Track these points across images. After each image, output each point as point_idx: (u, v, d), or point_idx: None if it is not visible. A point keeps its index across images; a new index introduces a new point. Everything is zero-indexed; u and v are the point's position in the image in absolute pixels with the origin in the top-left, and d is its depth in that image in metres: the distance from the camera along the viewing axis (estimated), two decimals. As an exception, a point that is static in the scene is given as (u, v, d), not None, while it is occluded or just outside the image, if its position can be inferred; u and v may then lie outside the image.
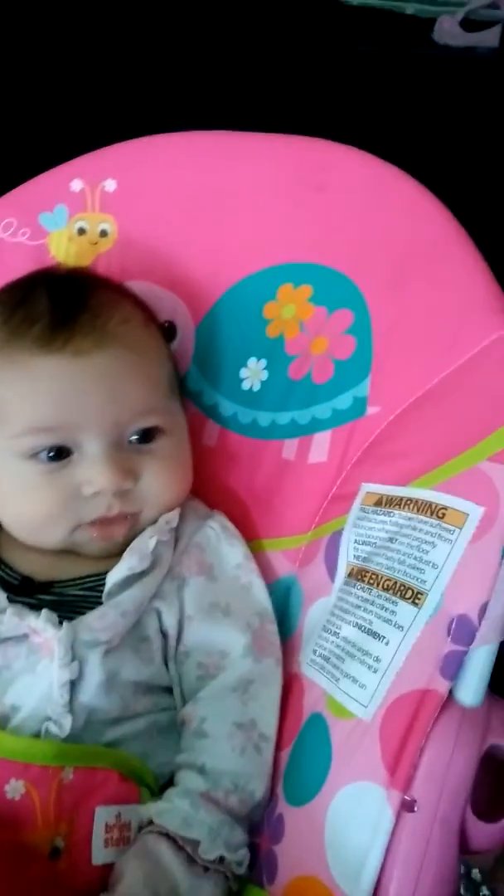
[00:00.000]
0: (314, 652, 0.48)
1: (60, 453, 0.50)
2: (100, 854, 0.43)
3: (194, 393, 0.62)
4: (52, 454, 0.50)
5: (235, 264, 0.60)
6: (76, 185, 0.64)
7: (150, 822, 0.44)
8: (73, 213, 0.64)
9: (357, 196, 0.55)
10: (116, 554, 0.52)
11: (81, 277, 0.58)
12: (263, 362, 0.59)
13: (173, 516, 0.54)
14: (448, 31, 1.38)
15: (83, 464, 0.50)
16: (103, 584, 0.51)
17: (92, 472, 0.50)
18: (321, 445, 0.56)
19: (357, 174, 0.56)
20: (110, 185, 0.64)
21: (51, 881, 0.40)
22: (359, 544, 0.49)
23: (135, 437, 0.52)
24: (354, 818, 0.39)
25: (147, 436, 0.52)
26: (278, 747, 0.48)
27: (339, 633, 0.47)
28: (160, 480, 0.52)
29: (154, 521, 0.53)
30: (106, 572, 0.51)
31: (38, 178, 0.65)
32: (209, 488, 0.60)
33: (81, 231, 0.64)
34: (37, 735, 0.46)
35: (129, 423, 0.51)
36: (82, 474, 0.50)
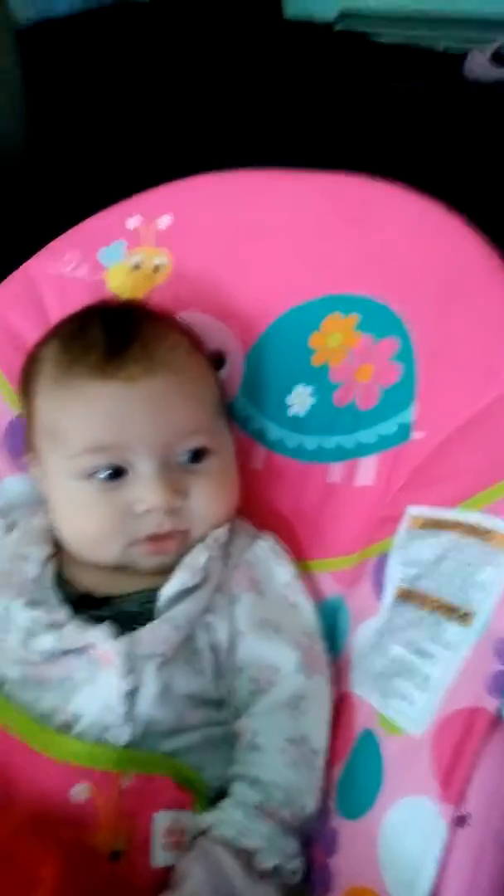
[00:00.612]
0: (364, 671, 0.50)
1: (116, 473, 0.53)
2: (160, 857, 0.45)
3: (242, 418, 0.65)
4: (108, 474, 0.53)
5: (283, 295, 0.63)
6: (133, 221, 0.68)
7: (206, 831, 0.46)
8: (130, 248, 0.68)
9: (400, 230, 0.58)
10: (169, 570, 0.55)
11: (133, 309, 0.62)
12: (309, 389, 0.62)
13: (222, 533, 0.56)
14: (479, 65, 1.42)
15: (136, 483, 0.53)
16: (157, 599, 0.53)
17: (144, 491, 0.53)
18: (367, 469, 0.58)
19: (398, 209, 0.58)
20: (165, 221, 0.67)
21: (113, 880, 0.42)
22: (406, 566, 0.51)
23: (184, 458, 0.55)
24: (408, 832, 0.40)
25: (196, 456, 0.55)
26: (330, 763, 0.49)
27: (388, 653, 0.48)
28: (208, 498, 0.55)
29: (204, 538, 0.55)
30: (159, 587, 0.54)
31: (98, 215, 0.69)
32: (257, 510, 0.63)
33: (137, 266, 0.68)
34: (97, 742, 0.48)
35: (178, 443, 0.54)
36: (135, 493, 0.53)
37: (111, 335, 0.55)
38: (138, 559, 0.55)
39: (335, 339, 0.61)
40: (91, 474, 0.53)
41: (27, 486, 0.65)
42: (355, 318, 0.60)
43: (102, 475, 0.53)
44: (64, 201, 0.74)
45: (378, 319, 0.58)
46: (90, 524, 0.54)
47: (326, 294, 0.61)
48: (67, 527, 0.56)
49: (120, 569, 0.55)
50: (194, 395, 0.56)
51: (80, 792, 0.45)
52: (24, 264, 0.69)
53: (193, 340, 0.60)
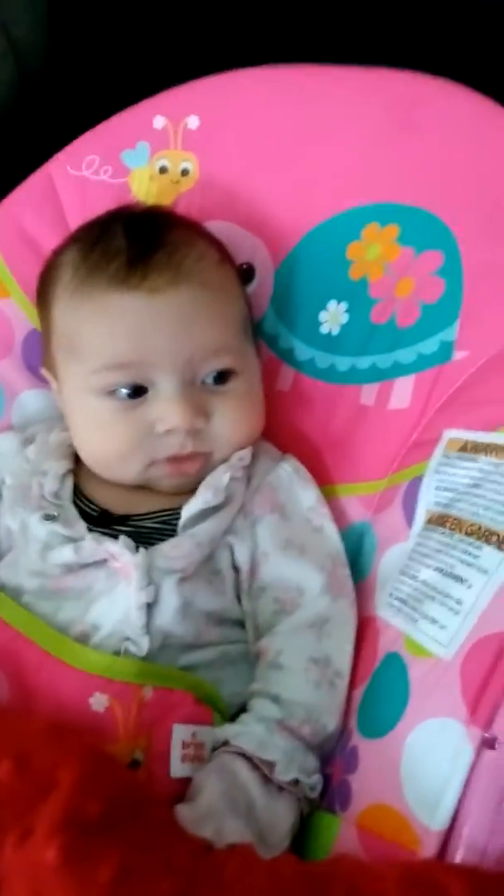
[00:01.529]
0: (390, 595, 0.48)
1: (136, 391, 0.51)
2: (177, 768, 0.45)
3: (270, 336, 0.62)
4: (129, 391, 0.51)
5: (319, 204, 0.59)
6: (159, 121, 0.63)
7: (225, 744, 0.46)
8: (156, 151, 0.64)
9: (453, 134, 0.53)
10: (189, 490, 0.53)
11: (158, 215, 0.58)
12: (344, 305, 0.58)
13: (246, 454, 0.55)
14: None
15: (157, 402, 0.51)
16: (177, 518, 0.52)
17: (165, 410, 0.51)
18: (403, 391, 0.55)
19: (453, 111, 0.54)
20: (193, 122, 0.63)
21: (132, 788, 0.42)
22: (440, 490, 0.49)
23: (208, 378, 0.52)
24: (433, 752, 0.39)
25: (220, 377, 0.53)
26: (352, 685, 0.48)
27: (417, 577, 0.47)
28: (232, 421, 0.53)
29: (226, 460, 0.54)
30: (179, 507, 0.52)
31: (121, 114, 0.65)
32: (282, 433, 0.60)
33: (163, 169, 0.64)
34: (116, 654, 0.47)
35: (202, 362, 0.52)
36: (156, 412, 0.51)
37: (134, 242, 0.52)
38: (158, 479, 0.53)
39: (374, 251, 0.57)
40: (111, 392, 0.51)
41: (45, 400, 0.63)
42: (395, 228, 0.56)
43: (123, 393, 0.51)
44: (89, 104, 0.69)
45: (421, 231, 0.54)
46: (110, 443, 0.52)
47: (367, 202, 0.57)
48: (86, 445, 0.54)
49: (139, 487, 0.54)
50: (221, 311, 0.53)
51: (98, 702, 0.45)
52: (43, 165, 0.65)
53: (221, 252, 0.57)
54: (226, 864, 0.38)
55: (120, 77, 0.71)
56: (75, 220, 0.63)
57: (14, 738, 0.40)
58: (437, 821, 0.37)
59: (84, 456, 0.55)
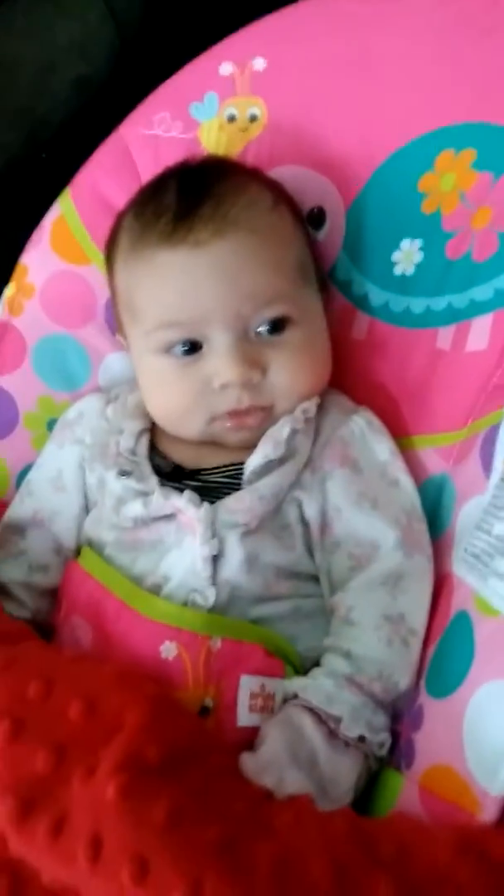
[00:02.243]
0: (465, 550, 0.46)
1: (192, 347, 0.51)
2: (244, 717, 0.46)
3: (344, 283, 0.59)
4: (185, 348, 0.51)
5: (388, 136, 0.55)
6: (225, 68, 0.62)
7: (295, 697, 0.46)
8: (224, 99, 0.62)
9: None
10: (255, 442, 0.53)
11: (213, 165, 0.57)
12: (418, 243, 0.54)
13: (310, 405, 0.53)
14: None
15: (212, 357, 0.51)
16: (243, 472, 0.52)
17: (219, 365, 0.50)
18: (481, 331, 0.51)
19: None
20: (259, 63, 0.60)
21: (200, 733, 0.43)
22: (519, 438, 0.45)
23: (263, 329, 0.51)
24: (494, 715, 0.37)
25: (276, 326, 0.51)
26: (426, 644, 0.47)
27: (491, 531, 0.44)
28: (290, 372, 0.51)
29: (290, 411, 0.52)
30: (245, 461, 0.52)
31: (188, 66, 0.64)
32: (358, 383, 0.58)
33: (232, 118, 0.62)
34: (185, 604, 0.49)
35: (254, 312, 0.50)
36: (211, 367, 0.51)
37: (183, 197, 0.52)
38: (222, 434, 0.53)
39: (448, 181, 0.52)
40: (168, 349, 0.52)
41: (129, 362, 0.65)
42: (471, 154, 0.51)
43: (178, 350, 0.51)
44: (155, 56, 0.68)
45: (500, 151, 0.49)
46: (171, 400, 0.53)
47: (439, 126, 0.52)
48: (152, 403, 0.56)
49: (208, 442, 0.54)
50: (273, 258, 0.51)
51: (168, 650, 0.47)
52: (116, 128, 0.66)
53: (278, 195, 0.54)
54: (279, 814, 0.38)
55: (216, 35, 0.70)
56: (149, 178, 0.63)
57: (86, 681, 0.43)
58: (498, 785, 0.36)
59: (152, 413, 0.56)
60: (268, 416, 0.53)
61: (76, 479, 0.59)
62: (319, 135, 0.58)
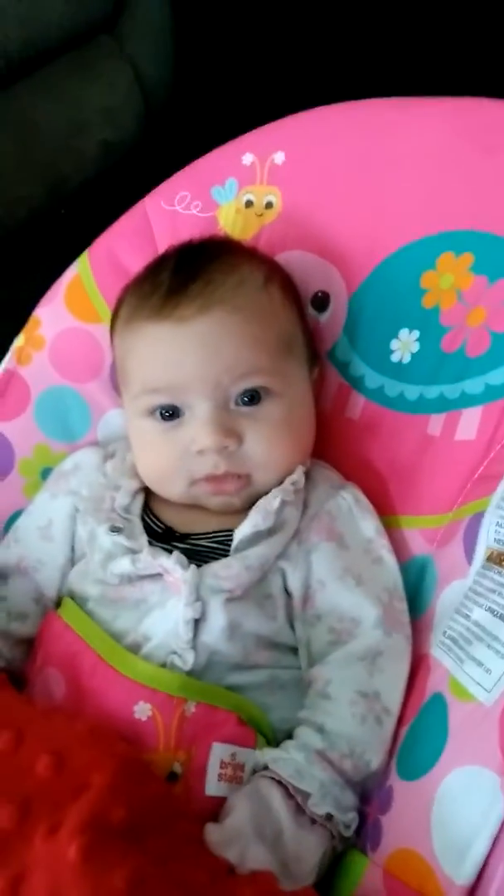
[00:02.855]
0: (444, 633, 0.47)
1: (173, 413, 0.54)
2: (213, 786, 0.45)
3: (342, 364, 0.62)
4: (166, 413, 0.54)
5: (395, 233, 0.59)
6: (247, 158, 0.66)
7: (265, 768, 0.46)
8: (242, 186, 0.66)
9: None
10: (242, 510, 0.54)
11: (212, 245, 0.60)
12: (416, 333, 0.58)
13: (298, 477, 0.54)
14: None
15: (192, 423, 0.53)
16: (231, 539, 0.53)
17: (197, 431, 0.53)
18: (470, 422, 0.53)
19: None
20: (279, 157, 0.65)
21: (166, 800, 0.43)
22: (501, 527, 0.46)
23: (242, 399, 0.53)
24: (465, 801, 0.37)
25: (253, 398, 0.53)
26: (399, 723, 0.47)
27: (469, 616, 0.45)
28: (265, 443, 0.53)
29: (272, 484, 0.54)
30: (233, 529, 0.53)
31: (212, 152, 0.68)
32: (348, 461, 0.60)
33: (249, 203, 0.66)
34: (163, 665, 0.49)
35: (233, 383, 0.53)
36: (190, 433, 0.53)
37: (176, 275, 0.55)
38: (203, 497, 0.55)
39: (448, 280, 0.56)
40: (151, 413, 0.54)
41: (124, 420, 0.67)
42: (469, 258, 0.55)
43: (160, 415, 0.54)
44: (181, 140, 0.73)
45: (495, 259, 0.53)
46: (154, 461, 0.55)
47: (443, 230, 0.56)
48: (139, 463, 0.58)
49: (197, 507, 0.56)
50: (253, 334, 0.53)
51: (142, 710, 0.47)
52: (140, 200, 0.70)
53: (272, 276, 0.57)
54: (240, 890, 0.38)
55: (241, 112, 0.75)
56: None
57: (57, 737, 0.43)
58: (463, 874, 0.35)
59: (140, 474, 0.58)
60: (245, 484, 0.54)
61: (65, 531, 0.59)
62: (329, 225, 0.62)
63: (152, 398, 0.54)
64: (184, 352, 0.53)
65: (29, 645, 0.56)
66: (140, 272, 0.60)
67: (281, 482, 0.54)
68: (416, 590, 0.53)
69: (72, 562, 0.59)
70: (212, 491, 0.54)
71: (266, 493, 0.54)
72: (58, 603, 0.58)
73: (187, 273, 0.55)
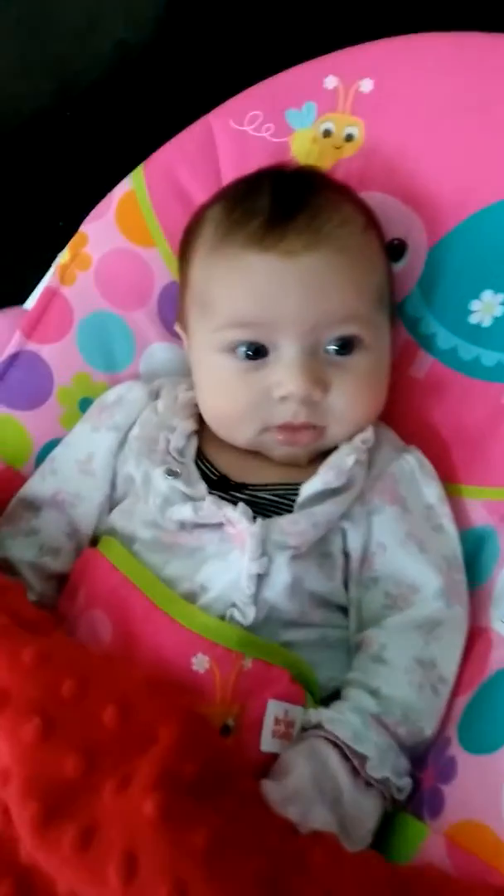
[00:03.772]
0: (509, 608, 0.46)
1: (257, 352, 0.50)
2: (268, 742, 0.45)
3: (412, 319, 0.59)
4: (249, 352, 0.50)
5: (491, 185, 0.55)
6: (330, 82, 0.61)
7: (317, 727, 0.45)
8: (322, 113, 0.61)
9: None
10: (303, 464, 0.52)
11: (309, 175, 0.56)
12: (501, 297, 0.55)
13: (369, 436, 0.53)
14: None
15: (277, 366, 0.50)
16: (294, 493, 0.51)
17: (284, 375, 0.50)
18: None
19: None
20: (367, 85, 0.60)
21: (223, 753, 0.42)
22: None
23: (333, 347, 0.51)
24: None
25: (344, 346, 0.51)
26: (455, 693, 0.47)
27: (543, 597, 0.44)
28: (351, 397, 0.51)
29: (343, 440, 0.52)
30: (297, 483, 0.51)
31: (291, 70, 0.62)
32: (409, 422, 0.58)
33: (327, 133, 0.61)
34: (221, 618, 0.47)
35: (329, 328, 0.50)
36: (275, 376, 0.50)
37: (278, 202, 0.51)
38: (270, 446, 0.52)
39: (547, 245, 0.53)
40: (233, 349, 0.51)
41: (173, 354, 0.63)
42: None
43: (242, 352, 0.50)
44: (256, 51, 0.66)
45: None
46: (227, 403, 0.52)
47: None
48: (206, 403, 0.54)
49: (257, 455, 0.53)
50: (357, 279, 0.51)
51: (200, 662, 0.45)
52: (204, 116, 0.64)
53: (369, 219, 0.54)
54: (312, 851, 0.37)
55: (292, 30, 0.69)
56: (230, 175, 0.61)
57: (120, 685, 0.41)
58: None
59: (204, 413, 0.55)
60: (318, 436, 0.52)
61: (106, 466, 0.57)
62: (416, 168, 0.58)
63: (239, 332, 0.50)
64: (286, 287, 0.49)
65: (59, 581, 0.54)
66: (226, 192, 0.56)
67: (348, 439, 0.52)
68: (473, 560, 0.52)
69: (110, 499, 0.57)
70: (284, 441, 0.51)
71: (332, 447, 0.52)
72: (93, 541, 0.56)
73: (290, 202, 0.51)
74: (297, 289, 0.49)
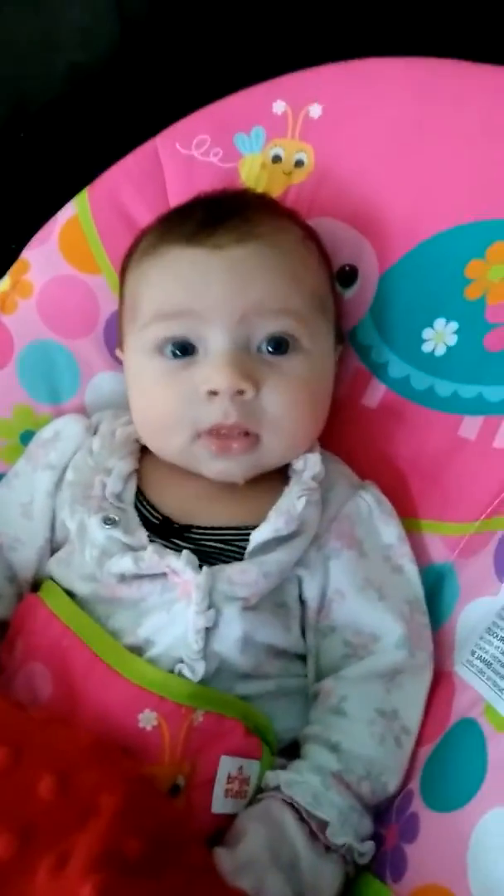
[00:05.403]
0: (472, 654, 0.44)
1: (184, 350, 0.48)
2: (219, 803, 0.42)
3: (363, 347, 0.58)
4: (176, 350, 0.48)
5: (441, 212, 0.54)
6: (279, 106, 0.59)
7: (276, 789, 0.43)
8: (271, 138, 0.60)
9: None
10: (250, 497, 0.49)
11: (250, 194, 0.56)
12: (454, 325, 0.54)
13: (319, 471, 0.50)
14: None
15: (205, 362, 0.48)
16: (243, 539, 0.48)
17: (210, 370, 0.47)
18: (512, 429, 0.50)
19: None
20: (315, 110, 0.59)
21: (171, 817, 0.39)
22: (542, 545, 0.44)
23: (265, 346, 0.48)
24: (507, 845, 0.35)
25: (279, 346, 0.48)
26: (419, 743, 0.45)
27: (504, 638, 0.43)
28: (284, 400, 0.48)
29: (278, 456, 0.50)
30: (247, 527, 0.49)
31: (239, 94, 0.61)
32: (362, 454, 0.56)
33: (276, 158, 0.60)
34: (169, 672, 0.44)
35: (259, 321, 0.48)
36: (202, 373, 0.47)
37: (212, 208, 0.50)
38: (203, 461, 0.49)
39: (498, 272, 0.52)
40: (160, 348, 0.48)
41: (119, 384, 0.60)
42: (525, 250, 0.51)
43: (171, 351, 0.48)
44: (202, 75, 0.65)
45: None
46: (156, 406, 0.49)
47: (498, 217, 0.52)
48: (136, 409, 0.52)
49: (200, 491, 0.50)
50: (290, 272, 0.49)
51: (147, 719, 0.43)
52: (151, 139, 0.62)
53: (311, 237, 0.53)
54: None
55: (239, 53, 0.68)
56: (177, 199, 0.59)
57: (58, 752, 0.38)
58: (508, 924, 0.34)
59: (136, 425, 0.52)
60: (251, 445, 0.48)
61: (45, 509, 0.53)
62: (366, 195, 0.57)
63: (165, 327, 0.48)
64: (210, 276, 0.47)
65: (1, 628, 0.51)
66: (164, 213, 0.54)
67: (286, 459, 0.50)
68: (432, 598, 0.51)
69: (51, 542, 0.53)
70: (215, 449, 0.48)
71: (272, 471, 0.50)
72: (33, 585, 0.52)
73: (227, 209, 0.50)
74: (223, 277, 0.47)
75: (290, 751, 0.46)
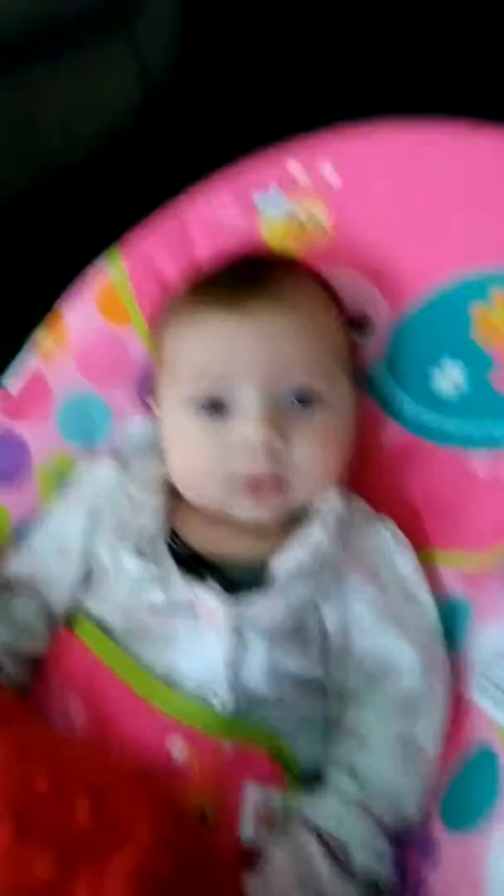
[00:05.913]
0: (486, 678, 0.46)
1: (218, 407, 0.52)
2: (248, 831, 0.44)
3: (377, 389, 0.61)
4: (210, 407, 0.52)
5: (448, 262, 0.57)
6: (293, 166, 0.64)
7: (299, 815, 0.45)
8: (288, 196, 0.64)
9: None
10: (272, 530, 0.52)
11: (277, 258, 0.59)
12: (462, 365, 0.57)
13: (339, 506, 0.53)
14: None
15: (238, 418, 0.51)
16: (267, 572, 0.51)
17: (244, 425, 0.51)
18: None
19: None
20: (328, 169, 0.63)
21: (200, 844, 0.41)
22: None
23: (293, 399, 0.52)
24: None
25: (305, 399, 0.52)
26: (437, 769, 0.46)
27: (517, 665, 0.44)
28: (312, 450, 0.51)
29: (305, 500, 0.52)
30: (271, 559, 0.51)
31: (255, 155, 0.65)
32: (378, 492, 0.59)
33: (293, 216, 0.64)
34: (199, 703, 0.47)
35: (286, 377, 0.51)
36: (237, 430, 0.51)
37: (242, 275, 0.55)
38: (237, 506, 0.52)
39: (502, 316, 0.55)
40: (196, 407, 0.52)
41: (148, 427, 0.64)
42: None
43: (205, 408, 0.52)
44: (223, 137, 0.70)
45: None
46: (193, 459, 0.53)
47: (501, 266, 0.55)
48: (173, 462, 0.55)
49: (228, 527, 0.53)
50: (316, 335, 0.53)
51: (178, 749, 0.45)
52: (175, 204, 0.66)
53: (334, 299, 0.57)
54: None
55: (245, 110, 0.72)
56: (204, 258, 0.64)
57: (93, 775, 0.41)
58: None
59: (173, 475, 0.55)
60: (283, 492, 0.52)
61: (79, 546, 0.56)
62: (379, 247, 0.60)
63: (200, 388, 0.52)
64: (242, 339, 0.51)
65: (31, 663, 0.54)
66: (196, 277, 0.58)
67: (312, 500, 0.53)
68: (447, 627, 0.53)
69: (84, 579, 0.56)
70: (250, 496, 0.51)
71: (297, 509, 0.52)
72: (66, 619, 0.55)
73: (255, 275, 0.54)
74: (254, 340, 0.51)
75: (312, 778, 0.48)
